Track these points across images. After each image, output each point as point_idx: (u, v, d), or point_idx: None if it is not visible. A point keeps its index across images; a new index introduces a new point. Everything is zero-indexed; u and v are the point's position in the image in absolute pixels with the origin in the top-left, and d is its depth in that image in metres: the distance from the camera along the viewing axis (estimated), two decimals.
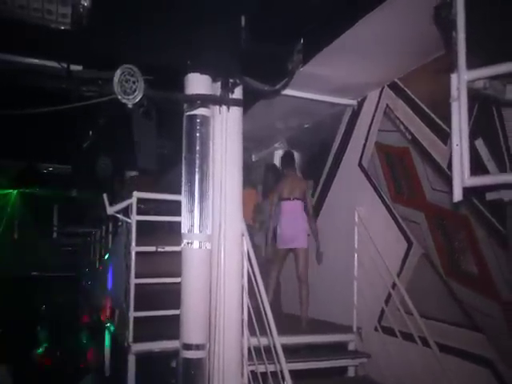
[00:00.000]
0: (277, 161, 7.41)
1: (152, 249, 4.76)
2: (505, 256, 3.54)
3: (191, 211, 4.01)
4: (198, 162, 4.05)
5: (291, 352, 4.25)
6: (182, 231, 4.05)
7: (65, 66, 3.60)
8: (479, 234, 3.86)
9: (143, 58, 3.80)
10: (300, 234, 5.65)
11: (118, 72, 3.58)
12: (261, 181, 7.00)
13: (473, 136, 2.72)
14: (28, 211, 16.20)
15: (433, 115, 4.40)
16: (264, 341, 4.04)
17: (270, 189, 6.44)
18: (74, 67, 3.71)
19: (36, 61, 3.66)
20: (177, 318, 4.06)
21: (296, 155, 7.27)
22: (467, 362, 3.89)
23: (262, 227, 6.44)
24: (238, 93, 4.26)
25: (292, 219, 5.67)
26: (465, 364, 3.90)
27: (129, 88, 3.58)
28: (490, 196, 3.54)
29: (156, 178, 7.43)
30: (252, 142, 6.96)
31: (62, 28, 3.31)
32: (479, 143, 3.76)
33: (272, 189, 6.22)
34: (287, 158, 6.19)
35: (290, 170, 6.09)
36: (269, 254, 5.96)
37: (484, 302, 3.78)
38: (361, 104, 5.56)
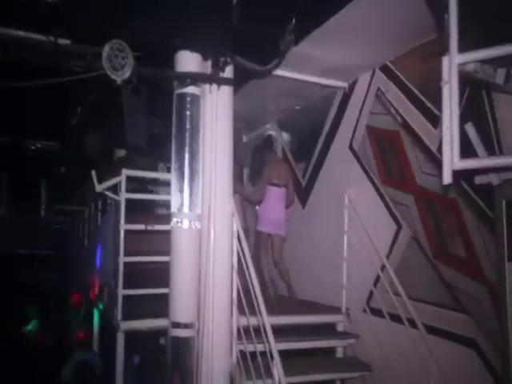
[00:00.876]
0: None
1: (141, 227, 4.75)
2: (492, 239, 3.58)
3: (181, 190, 3.99)
4: (187, 140, 4.01)
5: (280, 332, 4.28)
6: (172, 210, 4.03)
7: (52, 39, 3.51)
8: (468, 217, 3.88)
9: (133, 34, 3.72)
10: (283, 221, 5.89)
11: (107, 47, 3.50)
12: (248, 163, 7.02)
13: (463, 119, 2.72)
14: (15, 188, 16.07)
15: (423, 98, 4.39)
16: (253, 321, 4.07)
17: (255, 171, 6.51)
18: (62, 41, 3.63)
19: (22, 33, 3.57)
20: (166, 296, 4.07)
21: (287, 137, 7.32)
22: (454, 343, 3.93)
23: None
24: (228, 72, 4.21)
25: (278, 205, 5.84)
26: (451, 345, 3.95)
27: (118, 64, 3.51)
28: (479, 180, 3.56)
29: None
30: (243, 122, 6.94)
31: (50, 0, 3.23)
32: (469, 127, 3.77)
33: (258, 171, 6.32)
34: (268, 142, 6.39)
35: (273, 153, 6.29)
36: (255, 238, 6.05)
37: (471, 285, 3.82)
38: (352, 86, 5.53)
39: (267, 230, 5.89)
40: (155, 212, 7.31)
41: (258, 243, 5.96)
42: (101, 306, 6.70)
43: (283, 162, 6.50)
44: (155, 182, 7.51)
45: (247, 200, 6.42)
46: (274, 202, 5.81)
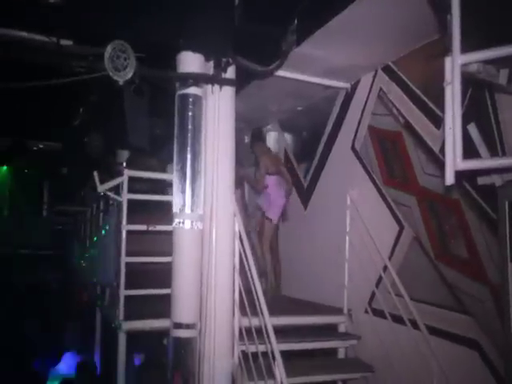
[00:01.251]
0: (270, 143, 7.42)
1: (143, 227, 4.74)
2: (495, 240, 3.57)
3: (183, 191, 3.99)
4: (189, 141, 4.02)
5: (282, 333, 4.27)
6: (174, 210, 4.03)
7: (54, 40, 3.52)
8: (470, 218, 3.87)
9: (135, 35, 3.73)
10: (283, 207, 6.03)
11: (109, 48, 3.50)
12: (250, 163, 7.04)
13: (465, 120, 2.71)
14: (18, 188, 16.10)
15: (426, 99, 4.38)
16: (255, 321, 4.06)
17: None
18: (64, 42, 3.63)
19: (24, 34, 3.57)
20: (168, 296, 4.07)
21: (289, 138, 7.34)
22: (456, 344, 3.93)
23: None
24: (230, 72, 4.22)
25: (281, 191, 6.01)
26: (453, 346, 3.95)
27: (120, 64, 3.51)
28: (481, 180, 3.55)
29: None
30: (245, 123, 6.94)
31: (52, 1, 3.24)
32: (472, 127, 3.76)
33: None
34: (258, 134, 6.61)
35: (263, 144, 6.52)
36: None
37: (474, 286, 3.82)
38: (354, 87, 5.52)
39: (277, 218, 6.01)
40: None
41: (267, 235, 5.98)
42: (103, 307, 6.70)
43: (273, 152, 6.74)
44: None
45: (249, 183, 6.66)
46: (276, 189, 5.99)
